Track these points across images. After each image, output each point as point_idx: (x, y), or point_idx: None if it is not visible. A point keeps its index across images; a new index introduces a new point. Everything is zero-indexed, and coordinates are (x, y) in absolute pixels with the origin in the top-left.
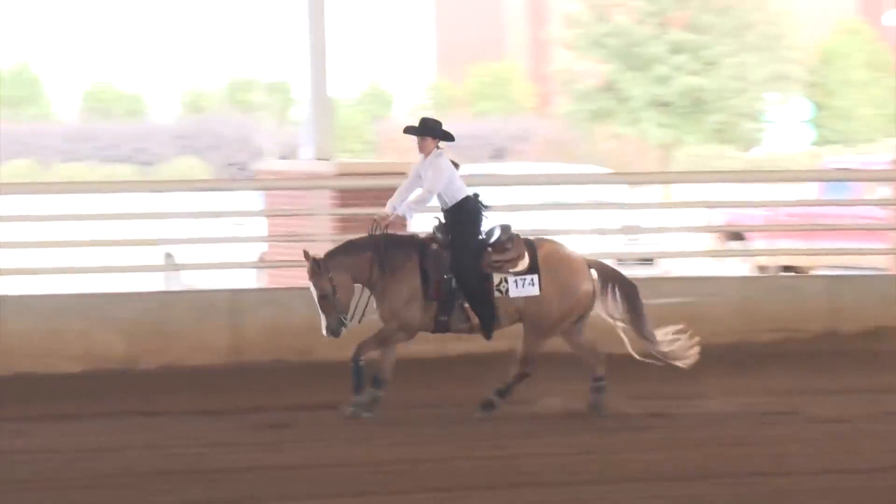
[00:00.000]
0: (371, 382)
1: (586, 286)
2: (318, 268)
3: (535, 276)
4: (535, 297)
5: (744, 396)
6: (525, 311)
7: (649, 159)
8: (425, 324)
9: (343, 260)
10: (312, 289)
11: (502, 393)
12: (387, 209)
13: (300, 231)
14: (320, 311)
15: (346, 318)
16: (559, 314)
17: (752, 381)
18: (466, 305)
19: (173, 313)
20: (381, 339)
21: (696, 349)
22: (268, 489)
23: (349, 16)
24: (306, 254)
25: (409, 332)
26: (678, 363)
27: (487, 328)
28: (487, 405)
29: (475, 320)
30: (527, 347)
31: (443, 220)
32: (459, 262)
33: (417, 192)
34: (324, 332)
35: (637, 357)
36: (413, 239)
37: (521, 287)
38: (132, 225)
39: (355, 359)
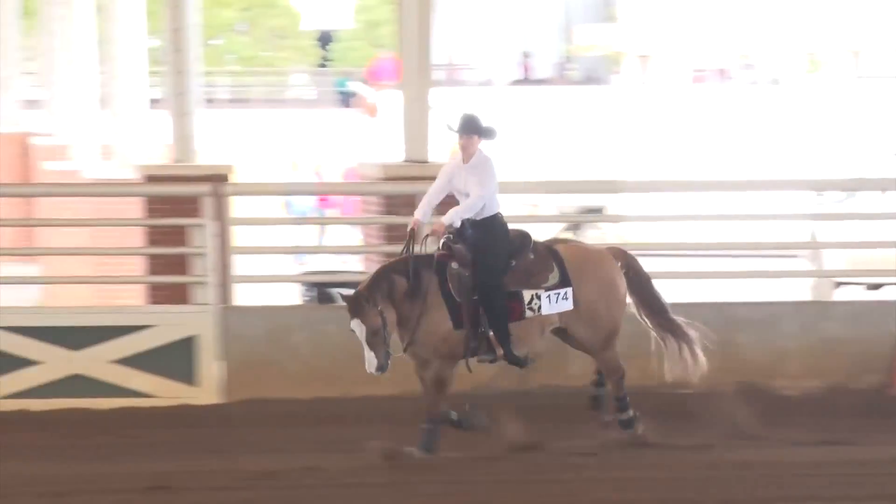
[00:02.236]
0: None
1: (621, 276)
2: (366, 303)
3: (569, 290)
4: (580, 311)
5: None
6: (577, 325)
7: None
8: (461, 351)
9: (387, 290)
10: (360, 326)
11: (622, 404)
12: (416, 216)
13: None
14: (368, 347)
15: (391, 352)
16: (612, 314)
17: None
18: (491, 334)
19: None
20: (440, 385)
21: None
22: None
23: None
24: (342, 295)
25: (455, 360)
26: (694, 364)
27: (511, 356)
28: (627, 423)
29: (499, 350)
30: (602, 363)
31: (463, 234)
32: (485, 281)
33: (430, 199)
34: (370, 369)
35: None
36: (430, 259)
37: (554, 303)
38: None
39: (439, 421)
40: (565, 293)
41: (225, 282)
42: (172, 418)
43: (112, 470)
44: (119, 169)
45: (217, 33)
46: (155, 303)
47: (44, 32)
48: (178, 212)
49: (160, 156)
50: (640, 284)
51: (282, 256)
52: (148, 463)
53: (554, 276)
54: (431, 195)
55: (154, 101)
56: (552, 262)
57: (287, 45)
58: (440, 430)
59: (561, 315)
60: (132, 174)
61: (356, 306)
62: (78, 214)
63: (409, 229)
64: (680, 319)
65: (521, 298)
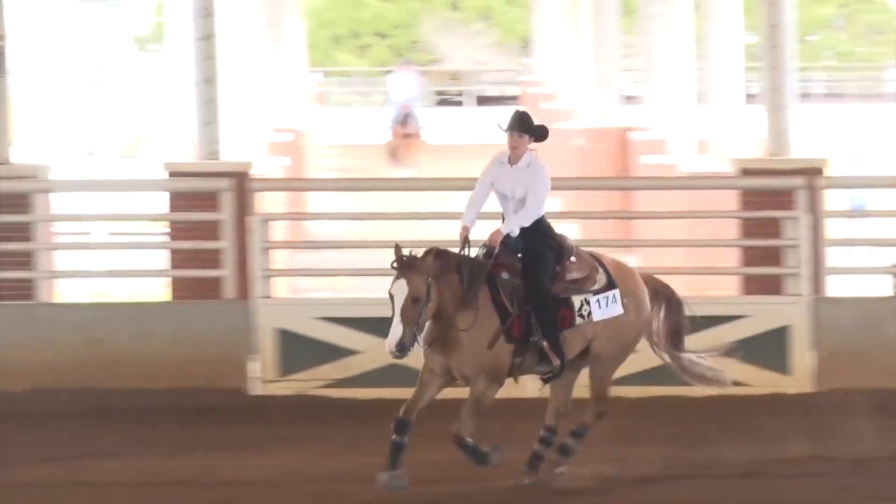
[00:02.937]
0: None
1: (647, 297)
2: (419, 265)
3: (617, 292)
4: (612, 318)
5: None
6: (601, 336)
7: None
8: (508, 365)
9: (440, 269)
10: (403, 287)
11: (578, 435)
12: (464, 223)
13: None
14: (399, 318)
15: (419, 336)
16: (637, 333)
17: None
18: (545, 345)
19: None
20: (477, 407)
21: (729, 374)
22: None
23: None
24: (398, 248)
25: (500, 382)
26: (710, 387)
27: (564, 365)
28: (564, 451)
29: (556, 360)
30: (600, 381)
31: (505, 241)
32: (537, 289)
33: (475, 205)
34: (391, 346)
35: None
36: (482, 266)
37: (605, 307)
38: None
39: (462, 443)
40: (614, 296)
41: (818, 273)
42: (765, 406)
43: (710, 455)
44: (714, 163)
45: (812, 30)
46: (748, 293)
47: (643, 30)
48: (773, 204)
49: (755, 150)
50: (676, 313)
51: (876, 248)
52: (739, 450)
53: (601, 279)
54: (475, 201)
55: (749, 97)
56: (596, 264)
57: (884, 40)
58: (475, 447)
59: (604, 328)
60: (727, 168)
61: (408, 265)
62: (674, 207)
63: (460, 238)
64: (692, 356)
65: (571, 305)
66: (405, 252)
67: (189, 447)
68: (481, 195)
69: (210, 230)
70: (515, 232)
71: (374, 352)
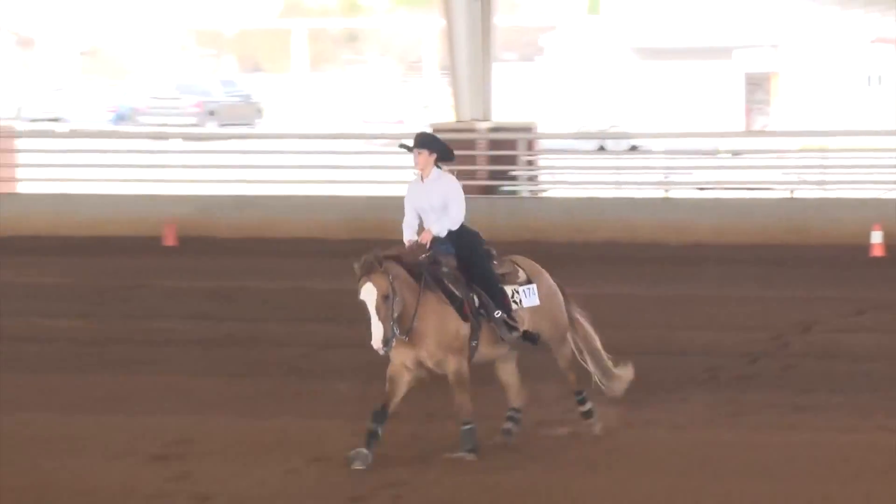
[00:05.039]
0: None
1: (555, 286)
2: (379, 266)
3: (534, 286)
4: (542, 308)
5: None
6: (539, 324)
7: None
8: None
9: (398, 269)
10: (371, 289)
11: (581, 398)
12: (408, 238)
13: None
14: (376, 317)
15: (396, 328)
16: (562, 314)
17: None
18: (505, 316)
19: None
20: (462, 381)
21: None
22: None
23: None
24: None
25: (467, 352)
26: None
27: (528, 332)
28: (588, 414)
29: (517, 325)
30: (562, 359)
31: (437, 248)
32: (483, 271)
33: (409, 225)
34: (376, 343)
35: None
36: (421, 265)
37: (528, 297)
38: None
39: (466, 421)
40: (533, 289)
41: None
42: None
43: None
44: None
45: None
46: None
47: None
48: None
49: None
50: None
51: None
52: None
53: (522, 275)
54: (408, 225)
55: None
56: (513, 264)
57: None
58: (474, 431)
59: (531, 316)
60: None
61: (369, 266)
62: None
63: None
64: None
65: (505, 293)
66: (362, 259)
67: None
68: (411, 219)
69: None
70: (443, 233)
71: None
